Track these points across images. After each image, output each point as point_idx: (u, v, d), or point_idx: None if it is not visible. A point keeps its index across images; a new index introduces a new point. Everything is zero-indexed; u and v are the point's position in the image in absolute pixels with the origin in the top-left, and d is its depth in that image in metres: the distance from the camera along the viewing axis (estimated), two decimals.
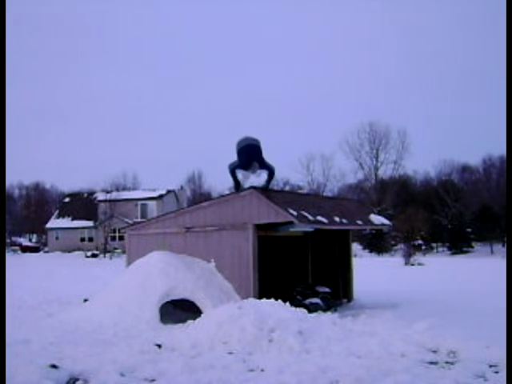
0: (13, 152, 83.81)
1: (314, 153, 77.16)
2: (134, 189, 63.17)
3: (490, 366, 6.60)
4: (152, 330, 9.13)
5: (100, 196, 53.99)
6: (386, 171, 70.16)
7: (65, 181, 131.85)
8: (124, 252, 18.33)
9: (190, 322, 9.39)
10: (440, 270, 28.95)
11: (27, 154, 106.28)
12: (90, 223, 53.61)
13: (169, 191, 57.38)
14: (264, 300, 9.33)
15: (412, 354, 7.25)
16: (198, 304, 10.03)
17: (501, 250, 50.12)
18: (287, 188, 70.31)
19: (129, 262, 12.08)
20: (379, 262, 39.47)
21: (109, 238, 50.75)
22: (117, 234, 51.09)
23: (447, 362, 6.97)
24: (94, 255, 48.89)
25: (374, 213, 14.91)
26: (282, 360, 6.97)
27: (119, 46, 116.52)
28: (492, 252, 52.16)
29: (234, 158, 11.46)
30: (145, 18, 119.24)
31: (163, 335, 8.72)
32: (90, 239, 54.59)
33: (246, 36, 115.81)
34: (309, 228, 11.25)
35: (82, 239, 55.36)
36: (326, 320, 9.22)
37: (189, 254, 11.42)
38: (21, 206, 79.91)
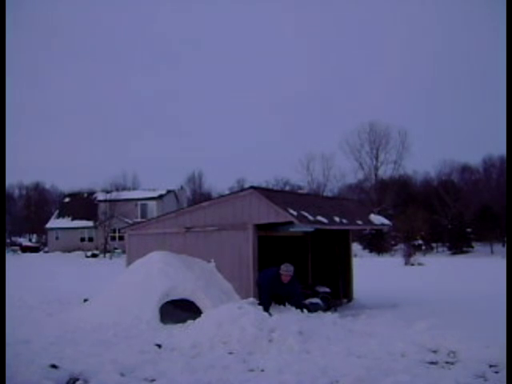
0: (13, 152, 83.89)
1: (314, 153, 77.61)
2: (134, 189, 63.27)
3: (490, 366, 6.59)
4: (152, 330, 9.12)
5: (100, 196, 54.05)
6: (386, 171, 70.27)
7: (65, 181, 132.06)
8: (124, 252, 18.33)
9: (189, 321, 9.39)
10: (440, 270, 28.94)
11: (27, 154, 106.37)
12: (89, 223, 53.64)
13: (169, 191, 57.42)
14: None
15: (412, 354, 7.24)
16: (198, 304, 10.03)
17: (501, 249, 50.12)
18: (287, 188, 70.39)
19: (129, 262, 12.08)
20: (379, 262, 39.47)
21: (109, 238, 50.77)
22: (117, 234, 51.12)
23: (447, 362, 6.96)
24: (93, 255, 48.93)
25: (374, 213, 14.88)
26: (282, 360, 6.97)
27: (119, 45, 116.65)
28: (492, 252, 52.18)
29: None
30: (143, 18, 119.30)
31: (163, 335, 8.71)
32: (90, 239, 54.62)
33: (246, 35, 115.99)
34: (309, 228, 11.24)
35: (82, 239, 55.39)
36: (326, 320, 9.22)
37: (189, 254, 11.42)
38: (21, 206, 79.97)
